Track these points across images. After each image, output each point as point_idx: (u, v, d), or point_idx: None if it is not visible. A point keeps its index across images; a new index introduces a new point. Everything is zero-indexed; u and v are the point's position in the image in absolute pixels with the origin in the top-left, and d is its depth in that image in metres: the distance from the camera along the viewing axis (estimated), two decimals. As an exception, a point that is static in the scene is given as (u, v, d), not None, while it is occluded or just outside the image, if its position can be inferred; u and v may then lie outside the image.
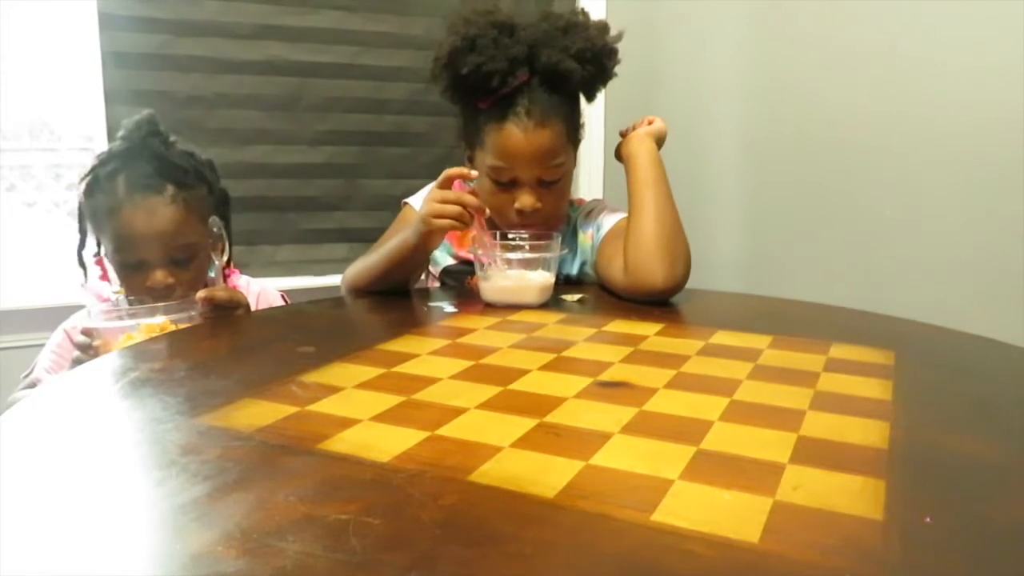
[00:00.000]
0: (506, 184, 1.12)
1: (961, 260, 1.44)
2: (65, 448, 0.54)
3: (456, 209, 0.99)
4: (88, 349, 0.91)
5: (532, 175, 1.11)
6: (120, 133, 1.07)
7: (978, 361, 0.81)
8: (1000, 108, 1.36)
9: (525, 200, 1.11)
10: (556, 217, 1.18)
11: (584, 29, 1.11)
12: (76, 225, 1.10)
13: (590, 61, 1.10)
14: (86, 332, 0.92)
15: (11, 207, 1.65)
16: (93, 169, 1.06)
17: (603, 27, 1.14)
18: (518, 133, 1.09)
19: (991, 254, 1.39)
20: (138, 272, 1.04)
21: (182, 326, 0.93)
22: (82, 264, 1.10)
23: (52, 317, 1.16)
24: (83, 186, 1.07)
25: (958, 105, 1.43)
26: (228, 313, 0.98)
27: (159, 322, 0.90)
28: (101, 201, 1.04)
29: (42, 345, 1.09)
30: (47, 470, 0.51)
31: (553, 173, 1.12)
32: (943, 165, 1.46)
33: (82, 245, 1.10)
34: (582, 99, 1.20)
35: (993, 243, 1.39)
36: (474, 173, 1.03)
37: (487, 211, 1.02)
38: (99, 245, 1.10)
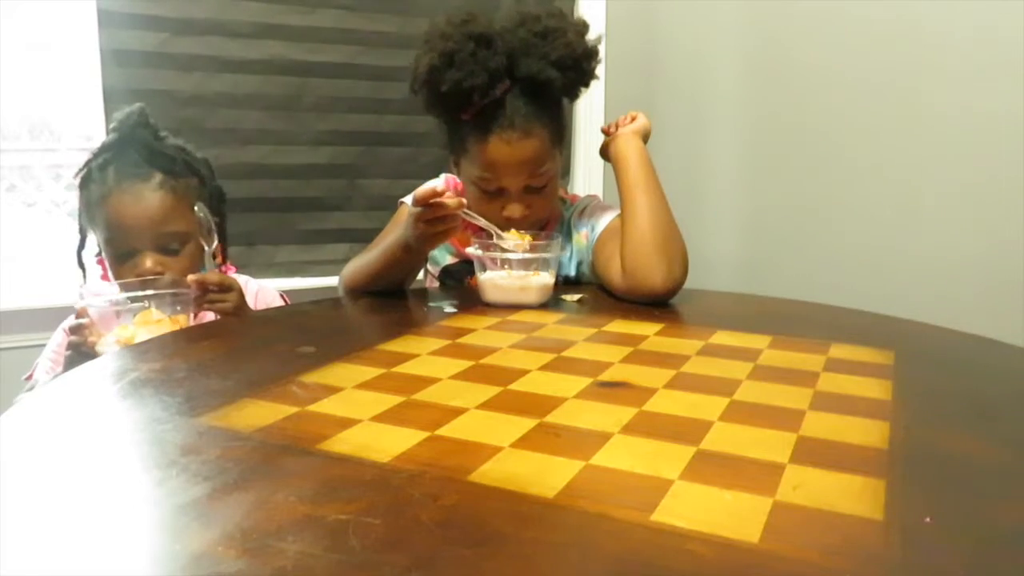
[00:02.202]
0: (493, 193, 1.12)
1: (961, 260, 1.44)
2: (65, 448, 0.54)
3: (442, 226, 0.98)
4: (81, 331, 0.90)
5: (519, 184, 1.11)
6: (111, 126, 1.08)
7: (978, 361, 0.81)
8: (1001, 108, 1.36)
9: (514, 209, 1.11)
10: (544, 219, 1.18)
11: (563, 34, 1.09)
12: (77, 226, 1.10)
13: (571, 68, 1.10)
14: (80, 313, 0.91)
15: (11, 207, 1.64)
16: (87, 163, 1.07)
17: (581, 28, 1.13)
18: (503, 145, 1.08)
19: (991, 254, 1.39)
20: (128, 261, 1.04)
21: (179, 317, 0.92)
22: (81, 265, 1.10)
23: (52, 317, 1.16)
24: (78, 180, 1.07)
25: (958, 105, 1.43)
26: (220, 298, 0.98)
27: (149, 307, 0.90)
28: (93, 192, 1.05)
29: (42, 345, 1.09)
30: (47, 470, 0.51)
31: (540, 180, 1.12)
32: (943, 165, 1.46)
33: (82, 245, 1.10)
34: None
35: (993, 243, 1.39)
36: (440, 187, 0.97)
37: (464, 202, 0.99)
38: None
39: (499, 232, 1.05)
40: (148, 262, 1.03)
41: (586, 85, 1.16)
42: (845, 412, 0.61)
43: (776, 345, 0.82)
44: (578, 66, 1.11)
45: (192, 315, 0.97)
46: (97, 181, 1.04)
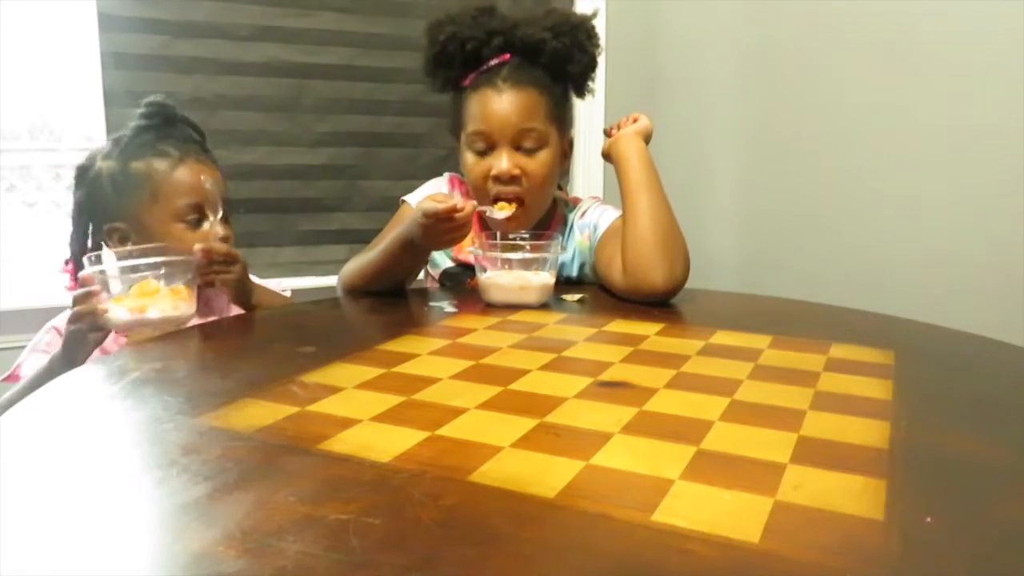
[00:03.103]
0: (484, 152, 1.14)
1: (961, 260, 1.44)
2: (65, 448, 0.54)
3: (455, 235, 1.01)
4: (88, 299, 0.88)
5: (506, 137, 1.12)
6: (146, 111, 1.08)
7: (978, 361, 0.81)
8: (1001, 107, 1.36)
9: (500, 164, 1.11)
10: (538, 196, 1.16)
11: (562, 12, 1.15)
12: (74, 225, 1.08)
13: (565, 34, 1.12)
14: (86, 281, 0.89)
15: (11, 207, 1.64)
16: (123, 145, 1.06)
17: (581, 13, 1.19)
18: (493, 95, 1.12)
19: (991, 254, 1.39)
20: (195, 229, 1.05)
21: (180, 287, 0.91)
22: (81, 265, 1.09)
23: (52, 317, 1.15)
24: (116, 160, 1.05)
25: (958, 104, 1.43)
26: (225, 269, 1.00)
27: (149, 276, 0.90)
28: (155, 165, 1.04)
29: None
30: (47, 470, 0.51)
31: (529, 138, 1.12)
32: (943, 164, 1.46)
33: (81, 244, 1.08)
34: (575, 97, 1.21)
35: (993, 243, 1.39)
36: (459, 204, 0.98)
37: (476, 203, 1.03)
38: (104, 234, 1.07)
39: (489, 209, 1.08)
40: (219, 227, 1.05)
41: (583, 63, 1.16)
42: (845, 412, 0.61)
43: (776, 345, 0.82)
44: (572, 34, 1.13)
45: (195, 286, 0.96)
46: (156, 155, 1.05)
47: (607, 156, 1.20)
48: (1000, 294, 1.37)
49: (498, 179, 1.12)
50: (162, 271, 0.91)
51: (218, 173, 1.09)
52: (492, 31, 1.13)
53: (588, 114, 2.02)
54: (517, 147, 1.12)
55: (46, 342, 1.05)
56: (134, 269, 0.90)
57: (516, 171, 1.11)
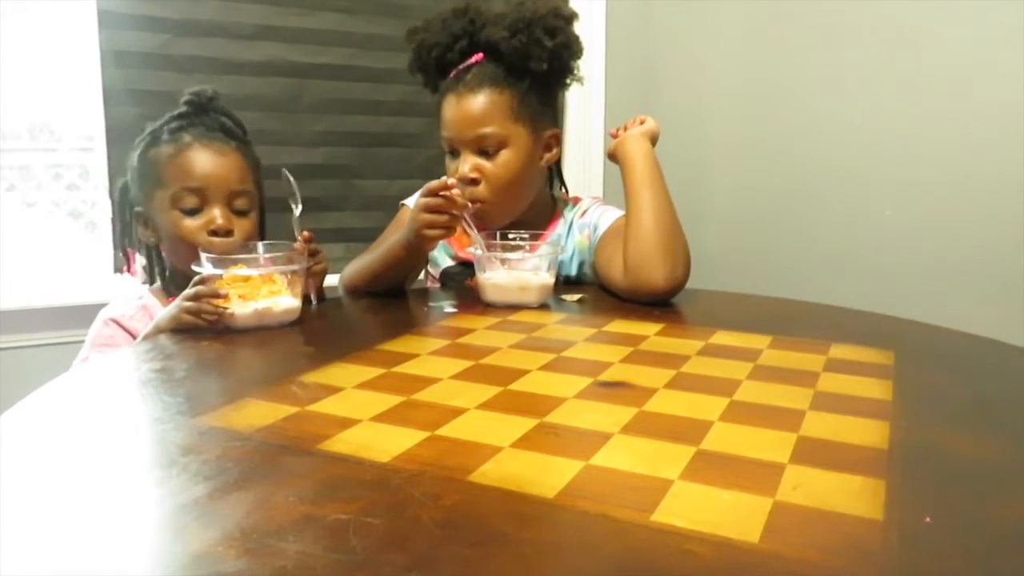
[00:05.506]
0: (453, 155, 1.15)
1: (961, 260, 1.44)
2: (66, 448, 0.54)
3: (443, 218, 1.00)
4: (209, 302, 0.88)
5: (464, 140, 1.12)
6: (183, 99, 1.09)
7: (978, 361, 0.81)
8: (1000, 107, 1.36)
9: (461, 167, 1.12)
10: (506, 195, 1.13)
11: (525, 8, 1.12)
12: (115, 214, 1.10)
13: (521, 31, 1.11)
14: (221, 283, 0.89)
15: (11, 207, 1.64)
16: (152, 131, 1.07)
17: (553, 7, 1.14)
18: (453, 101, 1.13)
19: (991, 254, 1.39)
20: (197, 218, 1.03)
21: (294, 279, 0.93)
22: (124, 250, 1.11)
23: (52, 317, 1.15)
24: (141, 146, 1.06)
25: (958, 104, 1.43)
26: (323, 258, 1.05)
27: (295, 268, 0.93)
28: (163, 151, 1.05)
29: (43, 345, 1.08)
30: (48, 470, 0.51)
31: (487, 142, 1.11)
32: (943, 165, 1.46)
33: (124, 232, 1.10)
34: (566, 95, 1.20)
35: (993, 243, 1.39)
36: (451, 181, 1.02)
37: (470, 205, 1.03)
38: (134, 217, 1.08)
39: (483, 246, 1.05)
40: (219, 217, 1.04)
41: (546, 60, 1.12)
42: (845, 412, 0.61)
43: (776, 345, 0.82)
44: (529, 31, 1.11)
45: (303, 275, 0.96)
46: (168, 142, 1.05)
47: (612, 157, 1.20)
48: (1000, 294, 1.37)
49: (462, 180, 1.11)
50: (279, 265, 0.93)
51: (239, 161, 1.07)
52: (456, 35, 1.14)
53: (588, 115, 2.02)
54: (480, 150, 1.12)
55: (107, 335, 1.03)
56: (265, 264, 0.93)
57: (473, 174, 1.11)
